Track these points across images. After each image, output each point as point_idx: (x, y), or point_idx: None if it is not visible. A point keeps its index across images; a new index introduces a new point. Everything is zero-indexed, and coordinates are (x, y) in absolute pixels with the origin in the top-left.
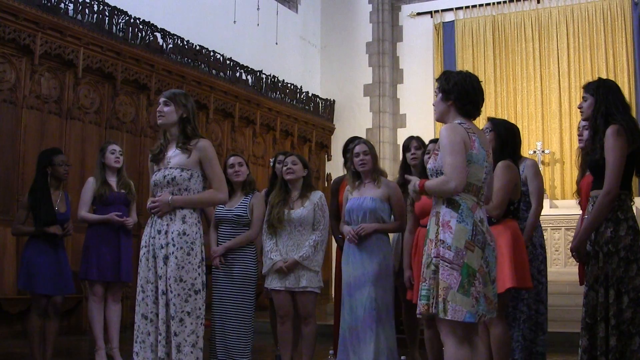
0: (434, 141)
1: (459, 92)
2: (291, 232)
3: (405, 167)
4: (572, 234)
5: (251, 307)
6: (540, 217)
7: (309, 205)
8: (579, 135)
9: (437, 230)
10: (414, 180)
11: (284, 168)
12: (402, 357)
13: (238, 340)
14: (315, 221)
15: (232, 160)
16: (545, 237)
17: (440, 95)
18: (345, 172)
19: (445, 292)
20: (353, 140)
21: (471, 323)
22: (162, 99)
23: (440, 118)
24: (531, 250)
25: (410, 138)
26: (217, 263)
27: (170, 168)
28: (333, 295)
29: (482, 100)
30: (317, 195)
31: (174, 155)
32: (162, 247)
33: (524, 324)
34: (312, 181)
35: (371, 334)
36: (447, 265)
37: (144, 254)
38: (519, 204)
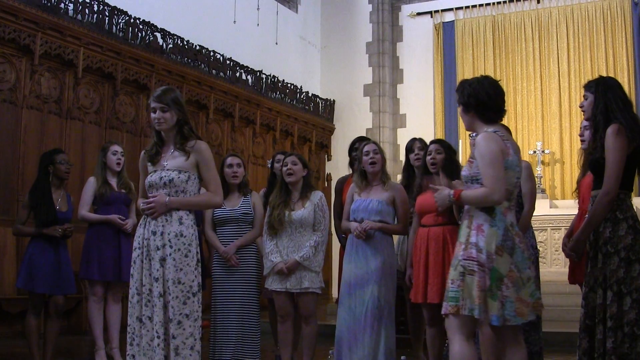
0: (435, 142)
1: (476, 103)
2: (291, 234)
3: (408, 169)
4: None
5: (257, 306)
6: (540, 217)
7: (309, 206)
8: (580, 136)
9: (469, 233)
10: (447, 191)
11: (284, 169)
12: (402, 357)
13: (248, 340)
14: (315, 222)
15: (230, 160)
16: (545, 237)
17: (461, 107)
18: (350, 171)
19: (482, 294)
20: (360, 140)
21: (497, 326)
22: (157, 104)
23: (470, 128)
24: None
25: (414, 140)
26: (235, 262)
27: (168, 170)
28: (334, 295)
29: (502, 102)
30: (317, 196)
31: (171, 157)
32: (158, 249)
33: None
34: (312, 181)
35: (371, 333)
36: (480, 268)
37: (138, 255)
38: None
